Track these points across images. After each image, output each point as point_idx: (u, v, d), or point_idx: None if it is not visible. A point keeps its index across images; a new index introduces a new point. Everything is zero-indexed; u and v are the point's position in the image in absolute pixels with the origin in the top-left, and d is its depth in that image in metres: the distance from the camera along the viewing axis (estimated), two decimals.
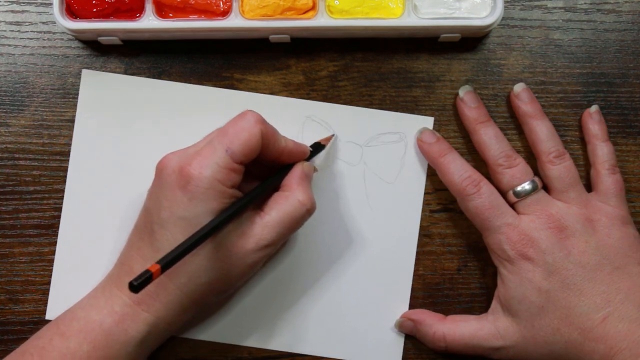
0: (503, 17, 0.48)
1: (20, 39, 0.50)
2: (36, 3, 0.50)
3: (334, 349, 0.49)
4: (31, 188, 0.49)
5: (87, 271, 0.48)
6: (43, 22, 0.50)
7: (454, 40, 0.49)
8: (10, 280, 0.49)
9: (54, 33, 0.50)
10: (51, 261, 0.49)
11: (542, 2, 0.50)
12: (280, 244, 0.44)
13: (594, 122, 0.48)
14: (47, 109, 0.50)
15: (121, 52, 0.50)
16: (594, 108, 0.49)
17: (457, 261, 0.50)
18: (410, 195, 0.50)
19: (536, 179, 0.47)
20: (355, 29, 0.47)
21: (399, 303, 0.49)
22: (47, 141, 0.50)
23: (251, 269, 0.43)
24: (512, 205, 0.46)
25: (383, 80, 0.50)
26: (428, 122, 0.50)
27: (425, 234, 0.50)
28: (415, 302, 0.49)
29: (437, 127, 0.50)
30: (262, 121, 0.42)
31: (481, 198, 0.46)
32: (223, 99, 0.49)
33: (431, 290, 0.50)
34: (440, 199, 0.50)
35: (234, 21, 0.47)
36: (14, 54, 0.50)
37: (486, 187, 0.46)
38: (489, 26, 0.47)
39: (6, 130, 0.50)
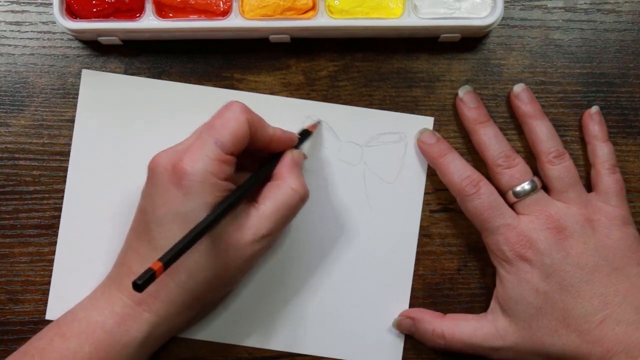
0: (503, 17, 0.48)
1: (20, 39, 0.50)
2: (36, 3, 0.50)
3: (334, 349, 0.49)
4: (31, 188, 0.50)
5: (87, 271, 0.48)
6: (43, 22, 0.50)
7: (454, 40, 0.49)
8: (10, 280, 0.49)
9: (54, 33, 0.50)
10: (51, 261, 0.49)
11: (542, 2, 0.50)
12: (277, 234, 0.44)
13: (594, 123, 0.48)
14: (47, 109, 0.50)
15: (121, 52, 0.50)
16: (595, 109, 0.49)
17: (457, 261, 0.50)
18: (410, 195, 0.50)
19: (535, 179, 0.47)
20: (355, 29, 0.47)
21: (399, 303, 0.49)
22: (47, 141, 0.50)
23: (250, 262, 0.43)
24: (511, 206, 0.46)
25: (383, 80, 0.50)
26: (428, 122, 0.50)
27: (425, 234, 0.50)
28: (415, 302, 0.49)
29: (437, 127, 0.50)
30: (248, 110, 0.43)
31: (480, 198, 0.46)
32: (223, 99, 0.49)
33: (431, 290, 0.50)
34: (440, 199, 0.50)
35: (234, 21, 0.47)
36: (14, 54, 0.50)
37: (486, 188, 0.46)
38: (489, 26, 0.47)
39: (6, 130, 0.50)
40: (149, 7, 0.47)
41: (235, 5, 0.47)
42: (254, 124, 0.43)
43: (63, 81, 0.50)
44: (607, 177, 0.47)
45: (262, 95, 0.50)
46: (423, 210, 0.50)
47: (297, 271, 0.49)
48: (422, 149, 0.49)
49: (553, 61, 0.50)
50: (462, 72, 0.50)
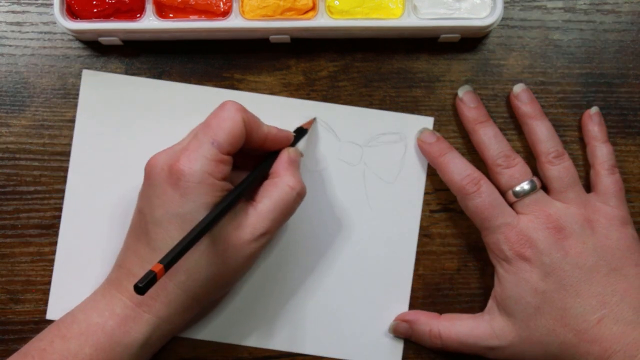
0: (503, 18, 0.48)
1: (21, 39, 0.50)
2: (37, 3, 0.50)
3: (334, 349, 0.49)
4: (32, 188, 0.50)
5: (88, 271, 0.49)
6: (44, 23, 0.50)
7: (453, 41, 0.49)
8: (10, 280, 0.49)
9: (54, 33, 0.50)
10: (52, 261, 0.49)
11: (541, 2, 0.50)
12: (275, 232, 0.44)
13: (593, 124, 0.48)
14: (47, 109, 0.50)
15: (121, 53, 0.50)
16: (594, 109, 0.49)
17: (457, 261, 0.50)
18: (410, 195, 0.50)
19: (535, 179, 0.47)
20: (355, 29, 0.47)
21: (399, 303, 0.49)
22: (47, 141, 0.50)
23: (249, 261, 0.43)
24: (511, 205, 0.47)
25: (383, 80, 0.50)
26: (428, 122, 0.50)
27: (425, 234, 0.50)
28: (415, 302, 0.49)
29: (437, 127, 0.50)
30: (243, 109, 0.43)
31: (481, 197, 0.46)
32: (223, 99, 0.49)
33: (431, 290, 0.50)
34: (440, 199, 0.50)
35: (234, 21, 0.47)
36: (14, 55, 0.50)
37: (486, 186, 0.46)
38: (488, 26, 0.47)
39: (7, 131, 0.50)
40: (150, 7, 0.47)
41: (235, 5, 0.47)
42: (250, 123, 0.43)
43: (63, 81, 0.50)
44: (606, 177, 0.47)
45: (262, 95, 0.50)
46: (423, 210, 0.50)
47: (297, 271, 0.49)
48: (422, 148, 0.49)
49: (552, 61, 0.50)
50: (462, 72, 0.50)
